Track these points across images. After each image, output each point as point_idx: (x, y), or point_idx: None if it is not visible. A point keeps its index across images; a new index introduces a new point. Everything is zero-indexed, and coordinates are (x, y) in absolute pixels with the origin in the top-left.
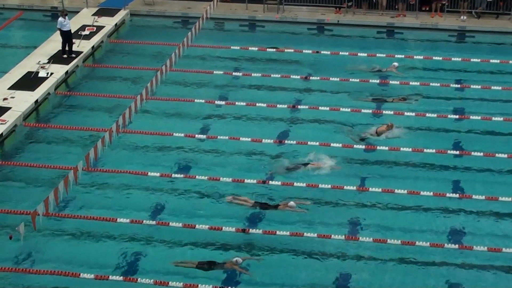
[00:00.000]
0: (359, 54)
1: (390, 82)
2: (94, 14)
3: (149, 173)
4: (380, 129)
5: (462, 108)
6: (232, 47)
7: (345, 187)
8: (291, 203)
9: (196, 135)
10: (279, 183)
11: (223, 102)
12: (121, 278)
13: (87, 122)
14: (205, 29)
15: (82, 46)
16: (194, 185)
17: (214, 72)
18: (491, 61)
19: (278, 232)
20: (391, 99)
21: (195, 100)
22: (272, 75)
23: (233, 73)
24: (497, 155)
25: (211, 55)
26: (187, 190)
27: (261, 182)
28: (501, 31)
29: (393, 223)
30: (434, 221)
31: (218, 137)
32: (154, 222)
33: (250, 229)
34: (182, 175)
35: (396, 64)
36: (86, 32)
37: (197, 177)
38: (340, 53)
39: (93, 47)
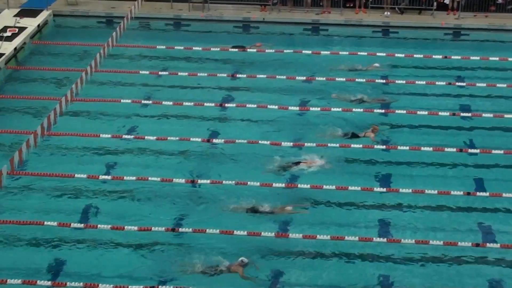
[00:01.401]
0: (285, 51)
1: (316, 78)
2: (16, 15)
3: (76, 175)
4: (367, 134)
5: (388, 103)
6: (157, 47)
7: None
8: (289, 207)
9: (123, 136)
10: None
11: (149, 102)
12: (49, 283)
13: (11, 125)
14: (130, 28)
15: (4, 48)
16: (122, 186)
17: (140, 72)
18: (415, 56)
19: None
20: (370, 99)
21: (122, 101)
22: (198, 74)
23: (159, 73)
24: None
25: (136, 54)
26: (115, 191)
27: (189, 181)
28: (424, 26)
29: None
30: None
31: (146, 137)
32: (82, 225)
33: (179, 228)
34: (109, 177)
35: (377, 65)
36: (8, 33)
37: (125, 178)
38: (266, 50)
39: (15, 48)
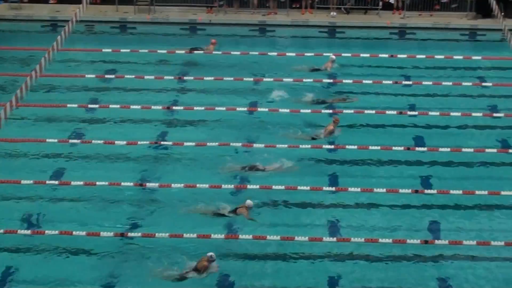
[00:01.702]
0: (232, 52)
1: (264, 79)
2: None
3: (22, 181)
4: (329, 128)
5: (331, 104)
6: (103, 50)
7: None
8: (249, 201)
9: (70, 140)
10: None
11: (96, 106)
12: None
13: None
14: (75, 32)
15: None
16: (70, 192)
17: (86, 75)
18: (361, 55)
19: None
20: (331, 99)
21: (68, 105)
22: (145, 77)
23: (106, 76)
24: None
25: (82, 58)
26: (62, 197)
27: (138, 184)
28: (370, 26)
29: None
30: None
31: (93, 141)
32: (29, 232)
33: (129, 233)
34: (57, 182)
35: (333, 57)
36: None
37: (72, 183)
38: (214, 52)
39: None
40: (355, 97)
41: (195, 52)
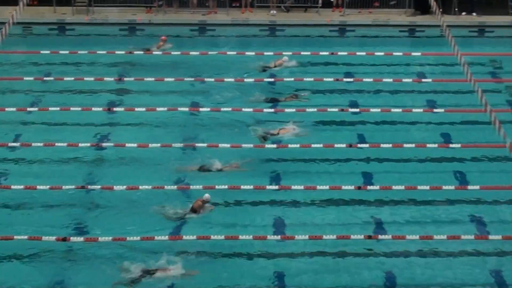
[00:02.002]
0: (172, 52)
1: (205, 79)
2: None
3: None
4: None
5: (276, 102)
6: (41, 52)
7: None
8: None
9: (9, 144)
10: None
11: (35, 109)
12: None
13: None
14: (12, 34)
15: None
16: (10, 195)
17: (24, 78)
18: (302, 53)
19: (99, 238)
20: (283, 98)
21: (6, 109)
22: (85, 78)
23: (44, 78)
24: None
25: (20, 61)
26: (2, 201)
27: (79, 187)
28: (310, 24)
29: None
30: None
31: (33, 144)
32: None
33: (71, 238)
34: None
35: (286, 58)
36: None
37: (12, 187)
38: (154, 53)
39: None
40: (305, 94)
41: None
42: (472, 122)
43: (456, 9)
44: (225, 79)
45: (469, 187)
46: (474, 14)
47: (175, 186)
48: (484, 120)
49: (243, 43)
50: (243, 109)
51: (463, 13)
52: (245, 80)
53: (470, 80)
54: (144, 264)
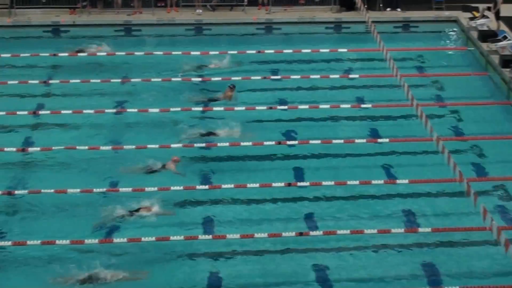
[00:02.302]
0: (98, 54)
1: (132, 79)
2: None
3: None
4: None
5: (205, 101)
6: None
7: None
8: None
9: None
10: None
11: None
12: None
13: None
14: None
15: None
16: None
17: None
18: (229, 52)
19: (57, 241)
20: (213, 96)
21: None
22: (9, 82)
23: None
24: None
25: None
26: None
27: (6, 193)
28: (236, 22)
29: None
30: None
31: None
32: None
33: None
34: None
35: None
36: None
37: None
38: (79, 54)
39: None
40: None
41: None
42: (399, 116)
43: (381, 5)
44: (152, 79)
45: (398, 181)
46: (398, 9)
47: (104, 189)
48: (411, 114)
49: (169, 43)
50: (171, 109)
51: (388, 9)
52: (173, 79)
53: (396, 75)
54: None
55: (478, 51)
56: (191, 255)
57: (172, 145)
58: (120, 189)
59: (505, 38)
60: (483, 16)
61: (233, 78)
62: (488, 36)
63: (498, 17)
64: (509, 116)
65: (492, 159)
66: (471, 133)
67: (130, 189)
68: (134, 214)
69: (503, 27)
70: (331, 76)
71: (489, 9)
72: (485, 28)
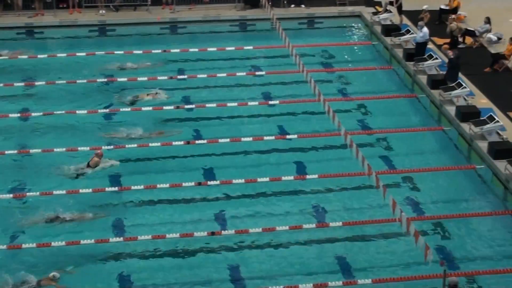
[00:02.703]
0: (2, 56)
1: (36, 83)
2: None
3: None
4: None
5: (111, 104)
6: None
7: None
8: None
9: None
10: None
11: None
12: None
13: None
14: None
15: None
16: None
17: None
18: (134, 52)
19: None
20: (139, 95)
21: None
22: None
23: None
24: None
25: None
26: None
27: None
28: (140, 22)
29: None
30: None
31: None
32: None
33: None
34: None
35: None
36: None
37: None
38: None
39: None
40: (163, 92)
41: None
42: (307, 112)
43: (285, 2)
44: (57, 82)
45: (308, 177)
46: (302, 6)
47: (11, 195)
48: (319, 110)
49: (73, 44)
50: (77, 112)
51: (292, 6)
52: (78, 81)
53: (302, 71)
54: None
55: (382, 45)
56: (103, 258)
57: (80, 148)
58: (28, 193)
59: (408, 32)
60: (386, 11)
61: (139, 79)
62: (392, 30)
63: (400, 11)
64: (414, 109)
65: (399, 151)
66: (378, 126)
67: (37, 193)
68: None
69: (406, 21)
70: (238, 74)
71: (391, 3)
72: (388, 22)
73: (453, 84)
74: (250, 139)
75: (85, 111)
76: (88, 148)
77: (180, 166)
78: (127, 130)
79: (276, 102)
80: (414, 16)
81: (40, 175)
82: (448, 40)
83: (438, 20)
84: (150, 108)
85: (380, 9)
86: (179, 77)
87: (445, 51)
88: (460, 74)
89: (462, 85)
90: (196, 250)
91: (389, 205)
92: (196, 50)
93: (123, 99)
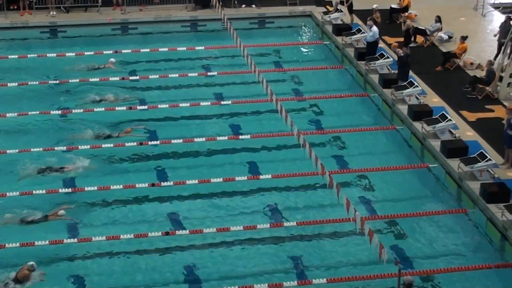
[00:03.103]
0: None
1: None
2: None
3: None
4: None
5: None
6: None
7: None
8: (61, 211)
9: None
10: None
11: None
12: None
13: None
14: None
15: None
16: None
17: None
18: (85, 53)
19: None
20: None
21: None
22: None
23: None
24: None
25: None
26: None
27: None
28: (91, 23)
29: None
30: None
31: None
32: None
33: None
34: None
35: (113, 60)
36: None
37: None
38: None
39: None
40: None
41: None
42: (259, 112)
43: (236, 2)
44: (9, 84)
45: (262, 177)
46: (253, 6)
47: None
48: (271, 110)
49: (24, 46)
50: (30, 113)
51: (243, 6)
52: (29, 83)
53: (254, 71)
54: None
55: (333, 45)
56: (55, 259)
57: (32, 149)
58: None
59: (359, 31)
60: (337, 10)
61: (91, 79)
62: (343, 29)
63: (351, 10)
64: (366, 108)
65: (352, 151)
66: (331, 126)
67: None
68: None
69: (357, 20)
70: (190, 75)
71: (342, 3)
72: (339, 22)
73: (405, 83)
74: (203, 139)
75: (37, 112)
76: (41, 149)
77: (133, 167)
78: (80, 132)
79: (229, 102)
80: (365, 15)
81: None
82: (401, 39)
83: (389, 19)
84: (103, 109)
85: (330, 9)
86: (131, 78)
87: (395, 49)
88: (411, 73)
89: (414, 84)
90: (151, 251)
91: (343, 205)
92: (148, 50)
93: (78, 101)
